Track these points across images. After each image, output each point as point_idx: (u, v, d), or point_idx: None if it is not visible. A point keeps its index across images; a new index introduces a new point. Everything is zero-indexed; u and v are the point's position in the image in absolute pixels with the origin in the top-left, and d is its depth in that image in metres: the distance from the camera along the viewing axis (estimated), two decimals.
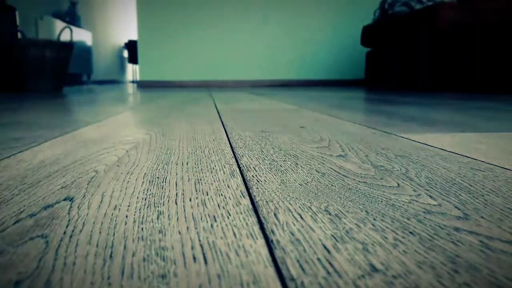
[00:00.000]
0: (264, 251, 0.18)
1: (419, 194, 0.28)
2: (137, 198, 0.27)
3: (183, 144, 0.50)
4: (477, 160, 0.40)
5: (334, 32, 3.78)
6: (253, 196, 0.27)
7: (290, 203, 0.25)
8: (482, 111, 0.99)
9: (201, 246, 0.19)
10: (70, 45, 2.58)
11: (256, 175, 0.33)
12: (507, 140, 0.52)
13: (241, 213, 0.24)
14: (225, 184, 0.30)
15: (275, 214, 0.23)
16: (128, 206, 0.25)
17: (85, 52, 5.08)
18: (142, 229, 0.21)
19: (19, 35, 2.40)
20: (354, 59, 3.85)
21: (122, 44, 7.40)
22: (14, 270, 0.16)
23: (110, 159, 0.40)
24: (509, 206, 0.25)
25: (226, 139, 0.54)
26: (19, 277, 0.16)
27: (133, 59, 5.45)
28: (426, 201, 0.26)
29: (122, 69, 7.37)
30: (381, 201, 0.26)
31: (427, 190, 0.29)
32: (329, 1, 3.73)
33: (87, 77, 5.36)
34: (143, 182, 0.31)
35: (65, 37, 4.44)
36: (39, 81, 2.42)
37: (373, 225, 0.22)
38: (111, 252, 0.18)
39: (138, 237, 0.20)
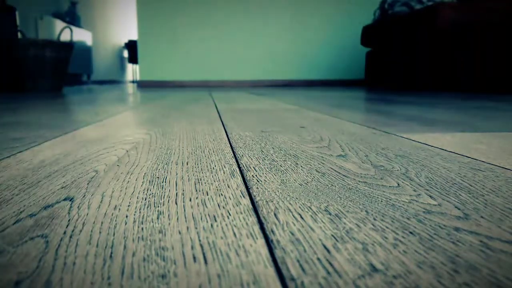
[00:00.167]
0: (264, 251, 0.18)
1: (419, 194, 0.28)
2: (137, 198, 0.27)
3: (183, 144, 0.50)
4: (477, 160, 0.40)
5: (334, 32, 3.78)
6: (253, 196, 0.27)
7: (290, 203, 0.25)
8: (482, 111, 0.99)
9: (201, 246, 0.19)
10: (70, 45, 2.58)
11: (256, 175, 0.33)
12: (508, 140, 0.52)
13: (241, 213, 0.24)
14: (225, 184, 0.30)
15: (275, 214, 0.23)
16: (128, 206, 0.25)
17: (85, 52, 5.08)
18: (142, 229, 0.21)
19: (19, 35, 2.40)
20: (354, 59, 3.85)
21: (122, 44, 7.40)
22: (14, 270, 0.16)
23: (110, 159, 0.40)
24: (509, 206, 0.25)
25: (226, 139, 0.54)
26: (19, 277, 0.16)
27: (133, 59, 5.45)
28: (426, 201, 0.26)
29: (122, 69, 7.37)
30: (381, 201, 0.26)
31: (427, 190, 0.29)
32: (329, 1, 3.73)
33: (87, 77, 5.36)
34: (143, 182, 0.31)
35: (65, 37, 4.44)
36: (39, 81, 2.42)
37: (373, 225, 0.22)
38: (111, 252, 0.18)
39: (138, 237, 0.20)
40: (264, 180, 0.32)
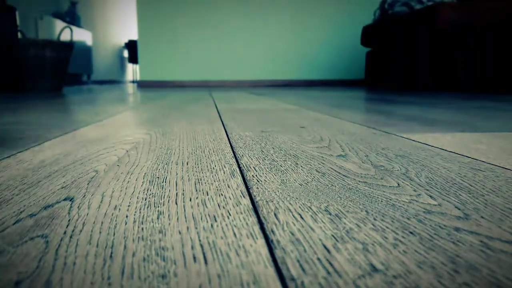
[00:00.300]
0: (264, 251, 0.18)
1: (419, 194, 0.28)
2: (137, 198, 0.27)
3: (183, 144, 0.50)
4: (477, 160, 0.40)
5: (334, 32, 3.78)
6: (253, 196, 0.27)
7: (290, 203, 0.25)
8: (482, 110, 0.99)
9: (201, 246, 0.19)
10: (70, 45, 2.58)
11: (256, 175, 0.33)
12: (508, 140, 0.52)
13: (241, 213, 0.24)
14: (225, 184, 0.30)
15: (275, 214, 0.23)
16: (128, 206, 0.25)
17: (85, 52, 5.08)
18: (142, 229, 0.21)
19: (19, 35, 2.40)
20: (354, 59, 3.85)
21: (122, 44, 7.40)
22: (14, 270, 0.16)
23: (110, 159, 0.40)
24: (509, 206, 0.25)
25: (226, 139, 0.54)
26: (19, 277, 0.16)
27: (133, 59, 5.45)
28: (426, 201, 0.26)
29: (122, 69, 7.37)
30: (381, 201, 0.26)
31: (427, 190, 0.29)
32: (329, 1, 3.73)
33: (87, 77, 5.36)
34: (143, 182, 0.31)
35: (65, 37, 4.44)
36: (39, 81, 2.42)
37: (373, 225, 0.22)
38: (111, 252, 0.18)
39: (138, 237, 0.20)
40: (264, 180, 0.32)
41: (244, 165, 0.37)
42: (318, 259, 0.17)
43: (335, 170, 0.35)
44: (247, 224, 0.22)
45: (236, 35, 3.70)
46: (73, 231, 0.21)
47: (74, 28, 4.73)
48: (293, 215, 0.23)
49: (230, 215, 0.23)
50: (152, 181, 0.31)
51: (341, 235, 0.20)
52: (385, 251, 0.18)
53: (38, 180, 0.32)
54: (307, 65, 3.79)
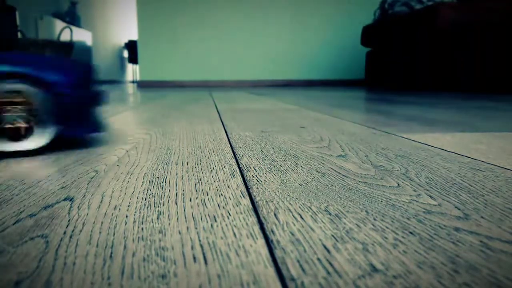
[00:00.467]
0: (264, 251, 0.18)
1: (419, 194, 0.28)
2: (137, 198, 0.27)
3: (183, 144, 0.50)
4: (477, 160, 0.40)
5: (334, 32, 3.78)
6: (253, 196, 0.27)
7: (290, 203, 0.25)
8: (482, 110, 0.99)
9: (201, 246, 0.19)
10: (70, 45, 2.58)
11: (256, 175, 0.33)
12: (508, 140, 0.52)
13: (241, 213, 0.24)
14: (225, 184, 0.30)
15: (275, 214, 0.23)
16: (128, 206, 0.25)
17: (85, 52, 5.08)
18: (142, 229, 0.21)
19: (19, 35, 2.40)
20: (354, 59, 3.85)
21: (122, 44, 7.40)
22: (14, 270, 0.16)
23: (110, 159, 0.40)
24: (509, 206, 0.25)
25: (226, 139, 0.54)
26: (19, 277, 0.16)
27: (133, 59, 5.45)
28: (426, 201, 0.26)
29: (122, 69, 7.37)
30: (381, 201, 0.26)
31: (427, 190, 0.29)
32: (329, 1, 3.73)
33: None
34: (143, 182, 0.31)
35: (65, 37, 4.44)
36: None
37: (373, 225, 0.22)
38: (111, 252, 0.18)
39: (138, 237, 0.20)
40: (264, 180, 0.32)
41: (244, 165, 0.37)
42: (318, 259, 0.17)
43: (335, 170, 0.35)
44: (247, 224, 0.22)
45: (236, 35, 3.70)
46: (73, 231, 0.21)
47: (74, 28, 4.73)
48: (293, 215, 0.23)
49: (230, 215, 0.23)
50: (152, 181, 0.31)
51: (341, 235, 0.20)
52: (385, 251, 0.18)
53: (38, 180, 0.32)
54: (307, 65, 3.79)
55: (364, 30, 3.06)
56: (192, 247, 0.19)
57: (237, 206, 0.25)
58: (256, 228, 0.21)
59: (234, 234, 0.20)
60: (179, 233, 0.21)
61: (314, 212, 0.24)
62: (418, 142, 0.51)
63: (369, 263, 0.17)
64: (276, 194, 0.28)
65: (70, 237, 0.20)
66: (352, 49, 3.85)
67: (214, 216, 0.23)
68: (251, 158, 0.41)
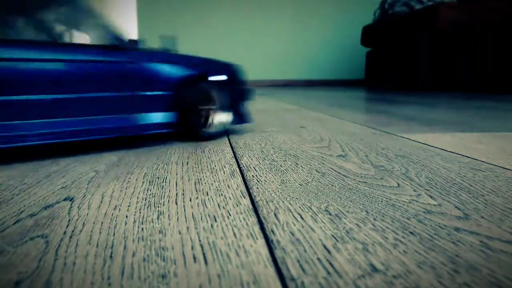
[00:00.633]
0: (264, 251, 0.18)
1: (419, 194, 0.28)
2: (137, 198, 0.27)
3: (183, 143, 0.50)
4: (477, 160, 0.40)
5: (334, 32, 3.78)
6: (253, 196, 0.27)
7: (290, 203, 0.26)
8: (482, 110, 0.99)
9: (201, 246, 0.19)
10: None
11: (256, 175, 0.33)
12: (508, 140, 0.52)
13: (241, 213, 0.24)
14: (225, 184, 0.30)
15: (275, 214, 0.23)
16: (128, 206, 0.25)
17: None
18: (142, 229, 0.21)
19: None
20: (354, 59, 3.85)
21: None
22: (14, 270, 0.16)
23: (110, 159, 0.40)
24: (509, 206, 0.25)
25: (226, 139, 0.54)
26: (19, 277, 0.16)
27: None
28: (426, 201, 0.26)
29: None
30: (381, 201, 0.26)
31: (427, 190, 0.29)
32: (329, 1, 3.73)
33: None
34: (143, 182, 0.31)
35: None
36: None
37: (373, 225, 0.22)
38: (111, 252, 0.18)
39: (138, 237, 0.20)
40: (264, 180, 0.32)
41: (244, 165, 0.37)
42: (318, 259, 0.17)
43: (335, 170, 0.35)
44: (247, 224, 0.22)
45: (236, 35, 3.70)
46: (73, 231, 0.21)
47: None
48: (293, 215, 0.23)
49: (230, 215, 0.23)
50: (152, 181, 0.31)
51: (341, 235, 0.20)
52: (385, 251, 0.18)
53: (38, 180, 0.32)
54: (307, 65, 3.80)
55: (364, 30, 3.06)
56: (192, 247, 0.19)
57: (237, 206, 0.25)
58: (256, 228, 0.21)
59: (234, 234, 0.20)
60: (179, 233, 0.21)
61: (314, 212, 0.24)
62: (418, 142, 0.51)
63: (369, 263, 0.17)
64: (276, 194, 0.28)
65: (70, 237, 0.20)
66: (352, 49, 3.85)
67: (214, 216, 0.23)
68: (251, 158, 0.41)
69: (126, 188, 0.29)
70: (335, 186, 0.30)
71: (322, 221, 0.22)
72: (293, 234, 0.20)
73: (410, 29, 2.47)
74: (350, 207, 0.25)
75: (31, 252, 0.18)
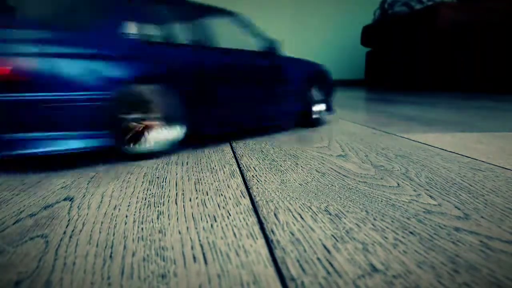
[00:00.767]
0: (264, 251, 0.18)
1: (419, 194, 0.28)
2: (137, 198, 0.27)
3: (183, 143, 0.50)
4: (477, 160, 0.40)
5: (334, 32, 3.78)
6: (253, 196, 0.27)
7: (290, 203, 0.26)
8: (482, 110, 0.99)
9: (201, 246, 0.19)
10: None
11: (256, 175, 0.33)
12: (507, 140, 0.52)
13: (241, 213, 0.24)
14: (225, 184, 0.30)
15: (275, 214, 0.23)
16: (128, 206, 0.25)
17: None
18: (142, 229, 0.21)
19: None
20: (354, 59, 3.85)
21: None
22: (14, 270, 0.16)
23: (110, 159, 0.40)
24: (509, 206, 0.25)
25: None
26: (19, 277, 0.16)
27: None
28: (426, 201, 0.26)
29: None
30: (381, 201, 0.26)
31: (427, 190, 0.29)
32: (329, 1, 3.73)
33: None
34: (143, 182, 0.31)
35: None
36: None
37: (373, 225, 0.22)
38: (111, 252, 0.18)
39: (138, 237, 0.20)
40: (264, 180, 0.32)
41: (244, 165, 0.37)
42: (318, 259, 0.17)
43: (335, 170, 0.35)
44: (247, 224, 0.22)
45: None
46: (73, 231, 0.21)
47: None
48: (293, 215, 0.23)
49: (230, 215, 0.23)
50: (152, 181, 0.31)
51: (341, 235, 0.20)
52: (385, 251, 0.18)
53: (38, 180, 0.32)
54: None
55: (364, 30, 3.06)
56: (192, 247, 0.19)
57: (237, 206, 0.25)
58: (256, 228, 0.21)
59: (234, 234, 0.20)
60: (179, 233, 0.21)
61: (314, 212, 0.24)
62: (418, 142, 0.51)
63: (369, 263, 0.17)
64: (276, 194, 0.28)
65: (70, 237, 0.20)
66: (352, 49, 3.85)
67: (214, 216, 0.23)
68: (251, 158, 0.41)
69: (126, 188, 0.29)
70: (335, 186, 0.30)
71: (322, 221, 0.22)
72: (293, 234, 0.20)
73: (410, 29, 2.47)
74: (350, 207, 0.25)
75: (31, 252, 0.18)
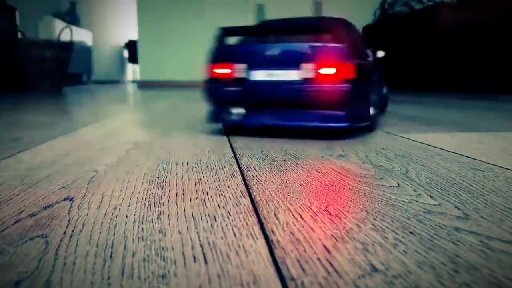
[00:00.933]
0: (264, 251, 0.18)
1: (419, 194, 0.28)
2: (137, 198, 0.27)
3: (183, 143, 0.50)
4: (477, 160, 0.40)
5: None
6: (253, 196, 0.27)
7: (290, 203, 0.25)
8: (482, 110, 0.99)
9: (201, 246, 0.19)
10: (70, 45, 2.58)
11: (256, 175, 0.33)
12: (507, 140, 0.52)
13: (241, 213, 0.24)
14: (225, 184, 0.30)
15: (275, 214, 0.23)
16: (128, 206, 0.25)
17: (85, 52, 5.08)
18: (142, 229, 0.21)
19: (19, 35, 2.40)
20: None
21: (122, 44, 7.41)
22: (14, 270, 0.16)
23: (110, 159, 0.40)
24: (509, 206, 0.25)
25: (226, 138, 0.54)
26: (19, 277, 0.16)
27: (133, 59, 5.45)
28: (426, 201, 0.26)
29: (122, 69, 7.37)
30: (381, 201, 0.26)
31: (427, 190, 0.29)
32: (329, 1, 3.73)
33: (87, 77, 5.37)
34: (143, 182, 0.31)
35: (65, 37, 4.44)
36: (39, 81, 2.42)
37: (373, 225, 0.22)
38: (111, 252, 0.18)
39: (138, 237, 0.20)
40: (264, 180, 0.32)
41: (244, 165, 0.37)
42: (318, 259, 0.17)
43: (335, 170, 0.35)
44: (247, 224, 0.22)
45: None
46: (73, 231, 0.21)
47: (74, 28, 4.73)
48: (293, 215, 0.23)
49: (230, 215, 0.23)
50: (152, 181, 0.31)
51: (341, 235, 0.20)
52: (385, 251, 0.18)
53: (38, 180, 0.32)
54: None
55: (364, 30, 3.06)
56: (192, 247, 0.19)
57: (237, 206, 0.25)
58: (256, 228, 0.21)
59: (234, 234, 0.20)
60: (179, 233, 0.21)
61: (314, 212, 0.24)
62: (418, 142, 0.51)
63: (369, 263, 0.17)
64: (276, 194, 0.28)
65: (70, 237, 0.20)
66: None
67: (214, 216, 0.23)
68: (251, 158, 0.41)
69: (126, 188, 0.29)
70: (335, 186, 0.30)
71: (322, 221, 0.22)
72: (293, 234, 0.20)
73: (410, 29, 2.47)
74: (350, 207, 0.25)
75: (31, 252, 0.18)
